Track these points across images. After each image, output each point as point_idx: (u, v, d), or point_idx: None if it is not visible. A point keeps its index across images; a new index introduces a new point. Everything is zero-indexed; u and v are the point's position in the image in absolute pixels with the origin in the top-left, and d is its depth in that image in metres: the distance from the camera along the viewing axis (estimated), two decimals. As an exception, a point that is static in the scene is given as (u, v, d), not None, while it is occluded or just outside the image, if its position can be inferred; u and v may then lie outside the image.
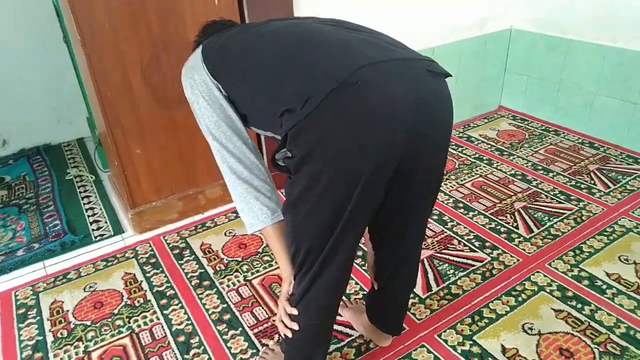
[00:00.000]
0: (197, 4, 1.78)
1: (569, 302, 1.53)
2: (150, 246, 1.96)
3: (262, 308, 1.62)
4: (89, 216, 2.16)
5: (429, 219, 1.55)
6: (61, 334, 1.57)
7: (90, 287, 1.77)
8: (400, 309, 1.30)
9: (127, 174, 1.88)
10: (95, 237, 2.00)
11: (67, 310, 1.66)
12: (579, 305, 1.51)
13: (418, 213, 1.05)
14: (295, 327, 1.07)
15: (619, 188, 2.12)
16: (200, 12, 1.79)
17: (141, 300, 1.69)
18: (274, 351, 1.41)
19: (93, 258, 1.91)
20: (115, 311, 1.65)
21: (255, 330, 1.53)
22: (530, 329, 1.44)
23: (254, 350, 1.46)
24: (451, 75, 0.91)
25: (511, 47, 2.83)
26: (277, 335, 1.50)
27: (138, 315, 1.62)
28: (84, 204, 2.26)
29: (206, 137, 1.11)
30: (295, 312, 1.06)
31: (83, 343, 1.53)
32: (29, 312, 1.67)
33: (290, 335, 1.10)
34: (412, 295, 1.55)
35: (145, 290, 1.73)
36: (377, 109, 0.81)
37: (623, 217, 1.90)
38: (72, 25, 1.65)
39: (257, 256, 1.87)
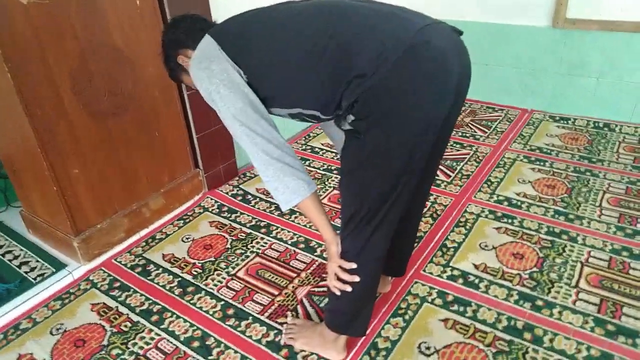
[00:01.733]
0: (122, 5, 1.69)
1: (451, 308, 1.53)
2: (104, 272, 1.81)
3: (261, 294, 1.66)
4: (10, 260, 1.87)
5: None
6: (52, 383, 1.39)
7: (57, 329, 1.57)
8: (412, 246, 1.50)
9: (67, 197, 1.70)
10: (35, 279, 1.76)
11: (44, 359, 1.47)
12: (462, 309, 1.53)
13: (443, 151, 1.26)
14: (357, 278, 1.18)
15: (493, 133, 2.65)
16: (125, 14, 1.70)
17: (128, 324, 1.57)
18: (297, 324, 1.49)
19: (43, 300, 1.69)
20: (105, 342, 1.51)
21: (266, 314, 1.57)
22: (427, 348, 1.41)
23: (276, 331, 1.51)
24: (463, 33, 1.13)
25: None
26: (289, 313, 1.57)
27: (134, 339, 1.52)
28: (-6, 249, 1.94)
29: (231, 125, 1.13)
30: (354, 265, 1.17)
31: (85, 383, 1.39)
32: (-7, 377, 1.43)
33: (349, 289, 1.20)
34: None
35: (127, 314, 1.61)
36: (440, 63, 0.98)
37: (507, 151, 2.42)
38: (-19, 39, 1.44)
39: (228, 251, 1.87)
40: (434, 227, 1.93)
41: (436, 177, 2.26)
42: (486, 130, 2.68)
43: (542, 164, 2.32)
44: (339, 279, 1.22)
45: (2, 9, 1.40)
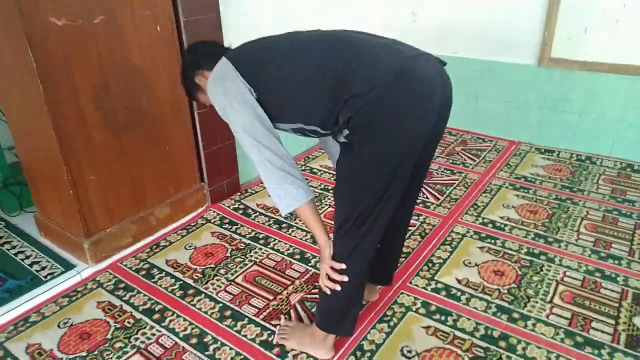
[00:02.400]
0: (143, 30, 1.87)
1: (433, 317, 1.64)
2: (111, 274, 1.92)
3: (257, 299, 1.77)
4: (22, 260, 1.99)
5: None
6: (58, 371, 1.50)
7: (64, 323, 1.68)
8: (398, 255, 1.63)
9: (81, 202, 1.84)
10: (45, 277, 1.87)
11: (51, 349, 1.57)
12: (443, 318, 1.63)
13: (427, 166, 1.41)
14: (345, 278, 1.31)
15: (481, 161, 2.81)
16: (145, 38, 1.88)
17: (131, 320, 1.68)
18: (289, 325, 1.60)
19: (52, 297, 1.80)
20: (109, 336, 1.62)
21: (261, 317, 1.68)
22: (409, 351, 1.51)
23: (269, 332, 1.62)
24: (447, 64, 1.29)
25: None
26: (282, 316, 1.68)
27: (136, 334, 1.63)
28: (8, 249, 2.05)
29: (240, 137, 1.28)
30: (344, 266, 1.30)
31: (89, 372, 1.49)
32: (3, 363, 1.53)
33: (339, 288, 1.33)
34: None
35: (131, 312, 1.72)
36: (425, 87, 1.14)
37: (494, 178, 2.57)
38: (18, 54, 1.61)
39: (228, 259, 1.99)
40: (421, 245, 2.06)
41: (426, 200, 2.40)
42: (475, 159, 2.84)
43: (526, 191, 2.47)
44: (330, 279, 1.35)
45: (40, 29, 1.57)
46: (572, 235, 2.09)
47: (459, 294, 1.77)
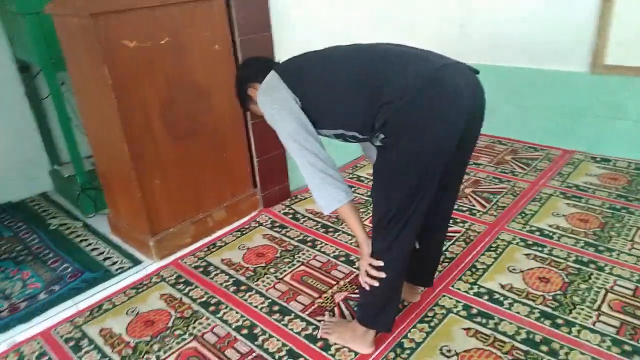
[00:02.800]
0: (204, 49, 2.06)
1: (474, 320, 1.67)
2: (173, 270, 2.11)
3: (304, 296, 1.88)
4: (96, 255, 2.22)
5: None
6: (126, 352, 1.67)
7: (132, 311, 1.87)
8: (438, 259, 1.69)
9: (148, 203, 2.04)
10: (116, 271, 2.09)
11: (120, 333, 1.76)
12: (484, 321, 1.66)
13: (462, 172, 1.48)
14: (383, 275, 1.39)
15: (532, 170, 2.78)
16: (205, 56, 2.07)
17: (190, 311, 1.84)
18: (332, 321, 1.69)
19: (121, 288, 2.00)
20: (170, 324, 1.78)
21: (307, 313, 1.79)
22: (448, 351, 1.56)
23: (314, 327, 1.72)
24: (479, 72, 1.36)
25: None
26: (326, 312, 1.78)
27: (194, 323, 1.78)
28: (84, 246, 2.30)
29: (286, 142, 1.40)
30: (381, 262, 1.39)
31: (152, 354, 1.65)
32: (80, 343, 1.73)
33: (377, 284, 1.41)
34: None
35: (190, 304, 1.89)
36: (452, 94, 1.22)
37: (544, 187, 2.54)
38: (97, 73, 1.83)
39: (277, 259, 2.12)
40: (465, 250, 2.09)
41: (472, 207, 2.42)
42: (525, 168, 2.81)
43: (578, 200, 2.42)
44: (369, 275, 1.43)
45: (114, 50, 1.79)
46: (625, 244, 2.04)
47: (501, 298, 1.79)
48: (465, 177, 2.74)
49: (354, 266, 2.04)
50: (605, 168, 2.74)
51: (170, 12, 1.92)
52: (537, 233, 2.17)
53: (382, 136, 1.29)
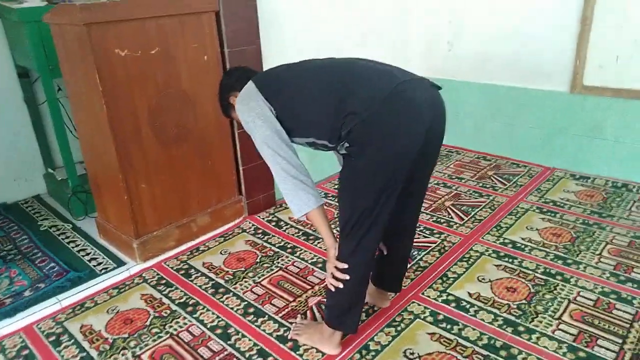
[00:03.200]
0: (192, 60, 2.16)
1: (439, 325, 1.74)
2: (155, 272, 2.18)
3: (279, 299, 1.95)
4: (83, 256, 2.29)
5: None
6: (103, 347, 1.74)
7: (112, 309, 1.94)
8: (404, 265, 1.76)
9: (134, 206, 2.12)
10: (100, 271, 2.16)
11: (99, 330, 1.83)
12: (449, 326, 1.73)
13: (426, 178, 1.56)
14: (347, 277, 1.46)
15: (512, 185, 2.86)
16: (194, 66, 2.17)
17: (168, 311, 1.91)
18: (304, 323, 1.75)
19: (104, 288, 2.07)
20: (148, 323, 1.85)
21: (280, 315, 1.85)
22: (412, 353, 1.62)
23: (285, 328, 1.78)
24: (441, 88, 1.45)
25: (415, 90, 3.57)
26: (298, 315, 1.84)
27: (171, 322, 1.85)
28: (72, 247, 2.38)
29: (261, 148, 1.48)
30: (346, 265, 1.46)
31: (129, 350, 1.72)
32: (60, 338, 1.80)
33: (341, 286, 1.48)
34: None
35: (168, 304, 1.95)
36: (413, 106, 1.31)
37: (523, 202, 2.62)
38: (89, 79, 1.93)
39: (257, 265, 2.19)
40: (439, 260, 2.15)
41: (450, 220, 2.49)
42: (506, 183, 2.89)
43: (552, 215, 2.49)
44: (334, 278, 1.50)
45: (107, 58, 1.89)
46: (592, 258, 2.10)
47: (468, 306, 1.85)
48: (447, 190, 2.83)
49: (330, 272, 2.10)
50: (583, 185, 2.81)
51: (160, 24, 2.02)
52: (510, 245, 2.24)
53: (347, 145, 1.37)
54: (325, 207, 1.55)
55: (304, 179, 1.46)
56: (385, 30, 3.21)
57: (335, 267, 1.49)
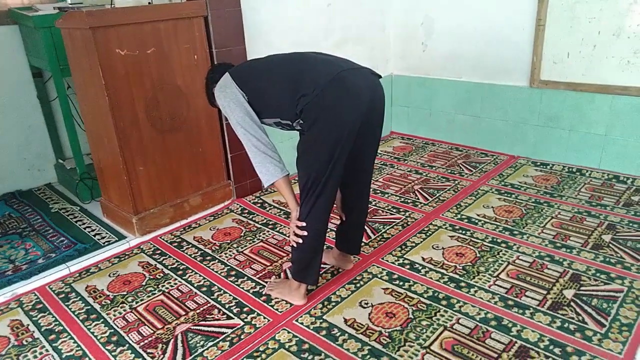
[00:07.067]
0: (183, 58, 2.47)
1: (393, 282, 2.00)
2: (151, 244, 2.48)
3: (257, 264, 2.24)
4: (89, 232, 2.60)
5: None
6: (105, 302, 2.04)
7: (113, 274, 2.24)
8: (361, 229, 2.05)
9: (132, 186, 2.42)
10: (104, 244, 2.46)
11: (102, 289, 2.13)
12: (401, 283, 2.01)
13: (372, 152, 1.85)
14: (305, 233, 1.76)
15: (477, 172, 3.14)
16: (185, 64, 2.48)
17: (161, 274, 2.21)
18: (277, 281, 2.05)
19: (107, 257, 2.38)
20: (144, 283, 2.15)
21: (258, 276, 2.14)
22: (366, 303, 1.94)
23: (261, 286, 2.07)
24: (381, 77, 1.74)
25: (394, 87, 3.88)
26: (273, 276, 2.13)
27: (164, 283, 2.14)
28: (79, 225, 2.69)
29: (235, 128, 1.78)
30: (304, 224, 1.75)
31: (126, 304, 2.01)
32: (69, 296, 2.10)
33: (301, 241, 1.77)
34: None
35: (162, 269, 2.25)
36: (352, 90, 1.61)
37: (484, 185, 2.90)
38: (94, 75, 2.24)
39: (241, 238, 2.48)
40: (400, 232, 2.44)
41: (416, 200, 2.77)
42: (472, 170, 3.17)
43: (508, 195, 2.77)
44: (295, 235, 1.79)
45: (109, 57, 2.20)
46: (537, 230, 2.38)
47: (420, 268, 2.13)
48: (417, 176, 3.11)
49: (304, 243, 2.39)
50: (542, 171, 3.08)
51: (156, 27, 2.33)
52: (465, 220, 2.52)
53: (301, 122, 1.67)
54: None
55: (271, 154, 1.76)
56: (363, 33, 3.51)
57: (297, 226, 1.79)
